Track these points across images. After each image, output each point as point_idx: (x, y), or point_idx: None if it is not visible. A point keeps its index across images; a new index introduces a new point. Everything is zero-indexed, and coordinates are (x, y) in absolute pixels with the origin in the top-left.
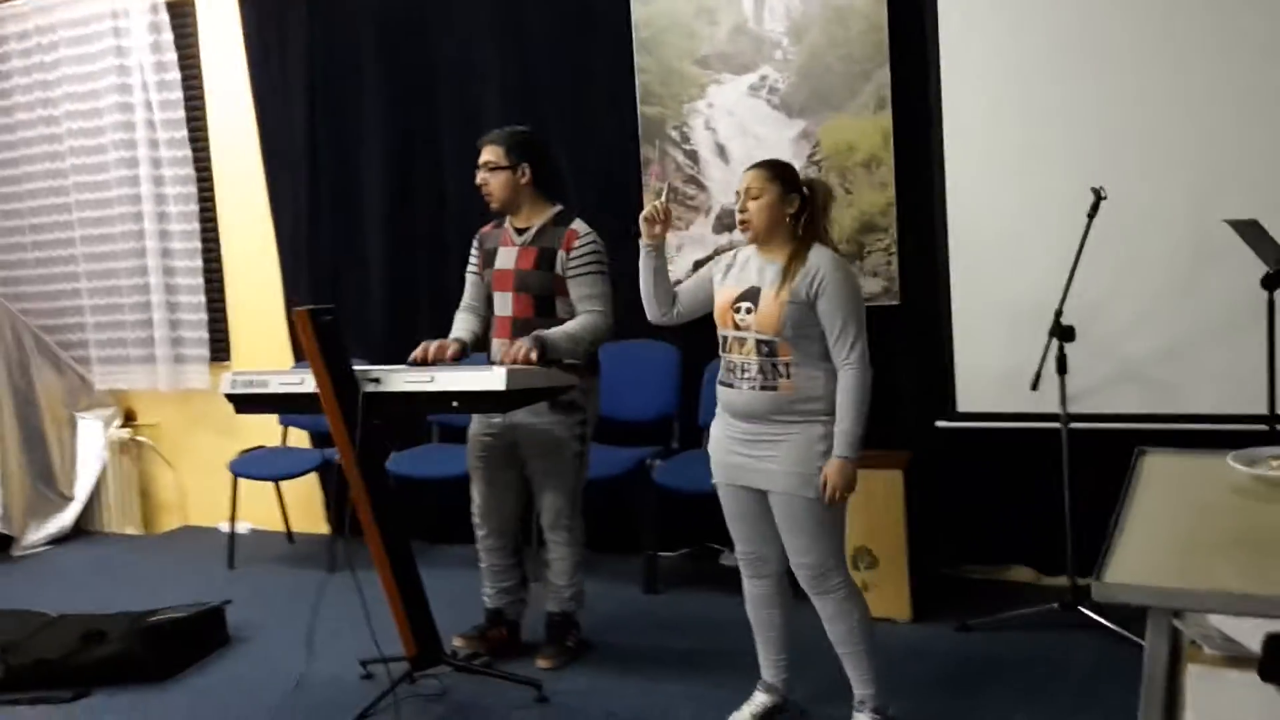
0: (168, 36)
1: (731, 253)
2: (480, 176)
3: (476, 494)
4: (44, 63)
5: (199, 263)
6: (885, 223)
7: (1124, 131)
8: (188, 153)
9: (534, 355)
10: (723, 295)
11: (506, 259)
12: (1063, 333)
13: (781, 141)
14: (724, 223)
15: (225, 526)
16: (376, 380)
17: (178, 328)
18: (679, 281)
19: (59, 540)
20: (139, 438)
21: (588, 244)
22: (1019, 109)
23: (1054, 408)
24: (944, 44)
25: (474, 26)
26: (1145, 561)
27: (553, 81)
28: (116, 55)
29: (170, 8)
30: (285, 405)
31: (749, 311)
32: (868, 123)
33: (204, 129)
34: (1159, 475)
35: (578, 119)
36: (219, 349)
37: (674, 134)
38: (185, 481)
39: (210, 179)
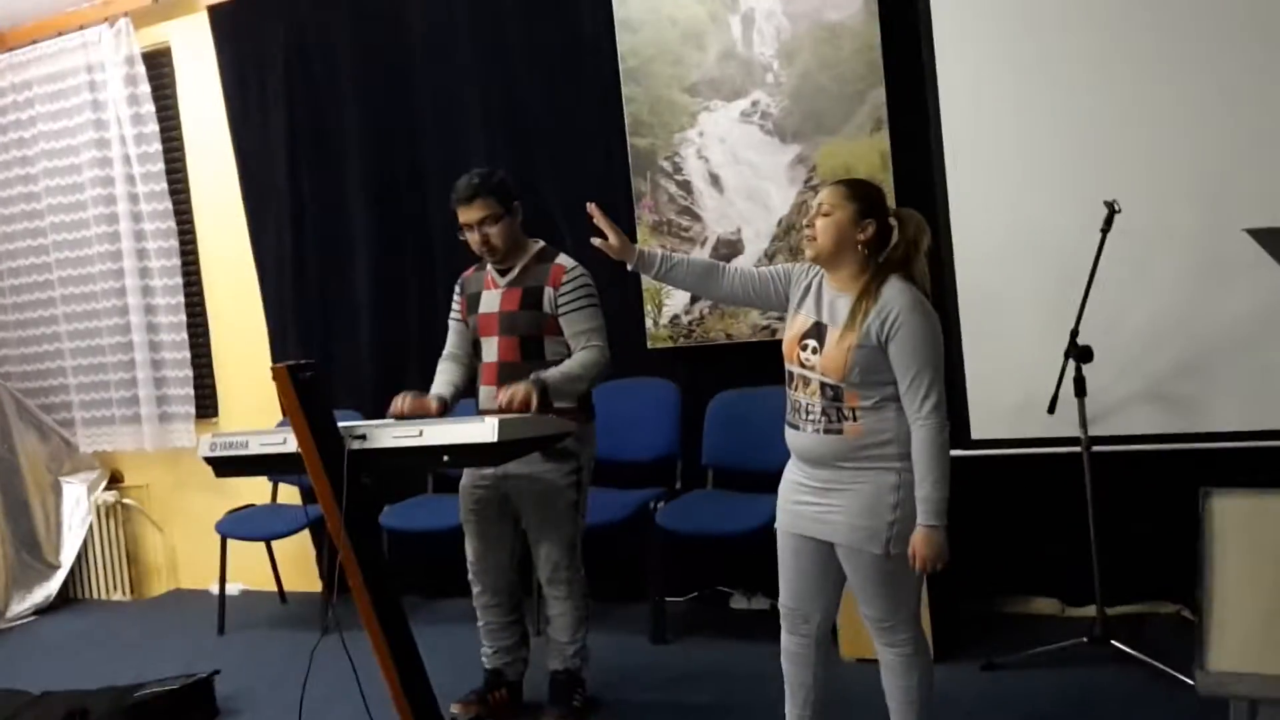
0: (145, 89)
1: (810, 272)
2: (477, 236)
3: (470, 549)
4: (20, 120)
5: (183, 317)
6: None
7: (1132, 141)
8: (168, 205)
9: (534, 401)
10: (792, 326)
11: (490, 302)
12: (1080, 353)
13: (777, 167)
14: (720, 254)
15: (216, 589)
16: (362, 436)
17: (162, 385)
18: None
19: (44, 610)
20: (126, 500)
21: (576, 278)
22: (1022, 122)
23: (1072, 431)
24: (940, 59)
25: (456, 64)
26: (1249, 642)
27: (539, 116)
28: (93, 109)
29: (146, 58)
30: (268, 467)
31: (814, 351)
32: (865, 144)
33: (185, 180)
34: (1235, 525)
35: (566, 153)
36: (206, 406)
37: (665, 164)
38: (175, 543)
39: (193, 231)
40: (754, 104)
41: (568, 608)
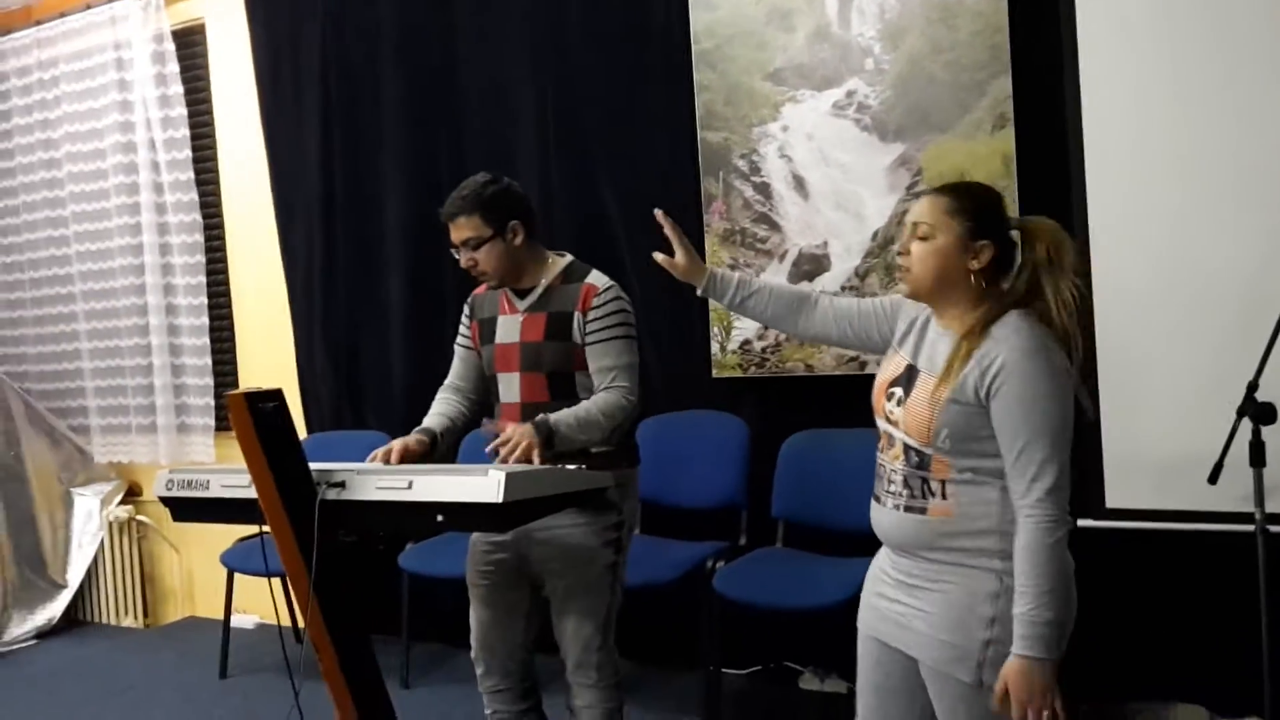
0: (173, 68)
1: (921, 306)
2: (464, 259)
3: (475, 620)
4: (45, 100)
5: (205, 320)
6: None
7: None
8: (194, 197)
9: (536, 453)
10: (885, 370)
11: (509, 331)
12: (1259, 412)
13: (873, 170)
14: (802, 270)
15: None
16: (340, 485)
17: (182, 394)
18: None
19: (47, 633)
20: (141, 517)
21: (609, 301)
22: (1190, 120)
23: (1235, 505)
24: (1084, 44)
25: (507, 45)
26: None
27: (597, 105)
28: (119, 90)
29: (178, 36)
30: (232, 513)
31: (899, 403)
32: (983, 145)
33: (214, 169)
34: None
35: (627, 149)
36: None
37: (741, 164)
38: (192, 566)
39: (220, 226)
40: (849, 95)
41: (597, 697)
